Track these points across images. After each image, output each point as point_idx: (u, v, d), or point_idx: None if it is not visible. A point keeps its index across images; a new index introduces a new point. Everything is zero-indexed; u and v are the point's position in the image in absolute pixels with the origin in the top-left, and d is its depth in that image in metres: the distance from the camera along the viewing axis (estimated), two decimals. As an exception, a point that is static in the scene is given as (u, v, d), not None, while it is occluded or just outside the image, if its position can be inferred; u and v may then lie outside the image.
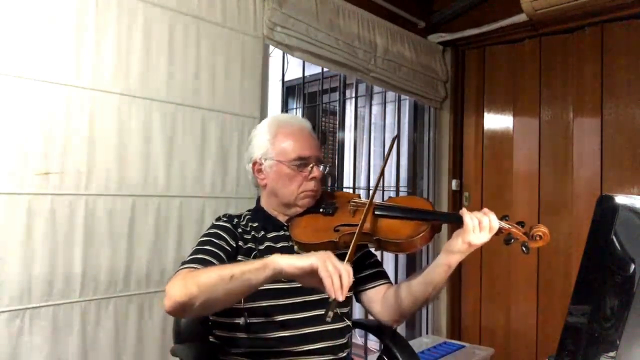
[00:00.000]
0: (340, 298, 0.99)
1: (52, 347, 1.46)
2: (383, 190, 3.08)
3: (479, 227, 1.18)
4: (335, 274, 0.99)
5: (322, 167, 1.37)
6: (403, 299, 1.32)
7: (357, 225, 1.23)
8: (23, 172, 1.41)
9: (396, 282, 1.39)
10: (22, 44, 1.41)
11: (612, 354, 0.75)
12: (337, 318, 1.31)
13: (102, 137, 1.57)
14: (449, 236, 1.25)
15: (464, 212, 1.21)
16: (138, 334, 1.65)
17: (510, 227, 1.20)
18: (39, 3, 1.45)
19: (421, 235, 1.24)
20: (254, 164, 1.38)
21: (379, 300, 1.38)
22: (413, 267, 3.10)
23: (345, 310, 1.36)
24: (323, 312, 0.98)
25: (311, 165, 1.35)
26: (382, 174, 1.45)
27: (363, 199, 1.42)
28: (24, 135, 1.41)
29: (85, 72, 1.53)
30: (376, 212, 1.31)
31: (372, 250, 1.46)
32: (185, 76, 1.79)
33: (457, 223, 1.22)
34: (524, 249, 1.17)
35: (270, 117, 1.48)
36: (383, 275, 1.44)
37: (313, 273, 1.01)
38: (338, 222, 1.32)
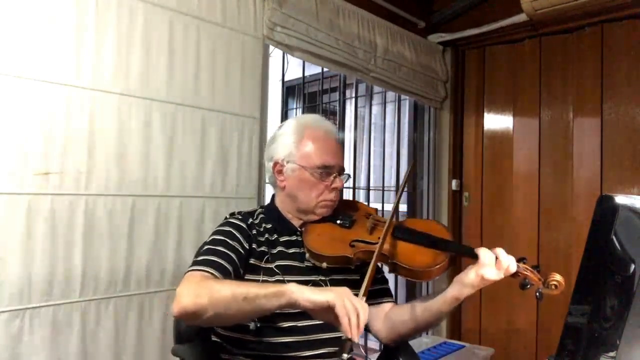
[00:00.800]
0: (356, 339, 0.96)
1: (52, 347, 1.46)
2: (383, 190, 3.08)
3: (497, 263, 1.15)
4: (353, 312, 0.96)
5: (344, 177, 1.35)
6: (404, 323, 1.30)
7: (374, 243, 1.21)
8: (23, 172, 1.41)
9: (396, 299, 1.37)
10: (22, 44, 1.41)
11: (612, 354, 0.75)
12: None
13: (102, 137, 1.57)
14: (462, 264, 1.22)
15: (482, 248, 1.18)
16: (138, 334, 1.65)
17: (527, 271, 1.17)
18: (39, 3, 1.45)
19: (439, 266, 1.21)
20: (275, 164, 1.35)
21: (380, 318, 1.36)
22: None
23: None
24: (336, 350, 0.97)
25: (334, 175, 1.32)
26: (399, 196, 1.40)
27: (381, 215, 1.40)
28: (24, 135, 1.41)
29: (85, 72, 1.53)
30: (395, 234, 1.28)
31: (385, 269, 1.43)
32: (185, 76, 1.79)
33: (475, 258, 1.18)
34: (537, 295, 1.16)
35: (298, 117, 1.45)
36: (388, 293, 1.41)
37: (329, 309, 0.98)
38: (354, 236, 1.29)
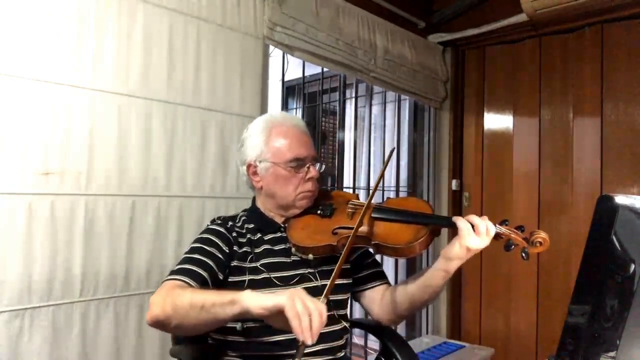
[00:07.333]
0: (309, 341, 0.91)
1: (52, 347, 1.45)
2: (383, 191, 3.08)
3: (475, 230, 1.14)
4: (305, 314, 0.92)
5: (318, 165, 1.36)
6: (401, 301, 1.31)
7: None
8: (23, 172, 1.41)
9: (396, 282, 1.38)
10: (22, 43, 1.41)
11: (612, 354, 0.75)
12: (335, 320, 1.30)
13: (102, 137, 1.57)
14: (449, 238, 1.23)
15: (458, 218, 1.17)
16: (138, 334, 1.65)
17: (509, 232, 1.16)
18: (39, 3, 1.45)
19: (420, 240, 1.21)
20: (249, 166, 1.36)
21: (377, 300, 1.38)
22: (413, 267, 3.10)
23: (342, 312, 1.35)
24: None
25: (307, 165, 1.33)
26: (380, 177, 1.43)
27: (362, 200, 1.40)
28: (23, 135, 1.41)
29: (85, 72, 1.53)
30: (374, 215, 1.28)
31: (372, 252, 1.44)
32: (185, 76, 1.79)
33: (454, 227, 1.18)
34: (523, 255, 1.14)
35: (262, 117, 1.43)
36: (381, 276, 1.42)
37: (280, 313, 0.93)
38: (336, 224, 1.30)
